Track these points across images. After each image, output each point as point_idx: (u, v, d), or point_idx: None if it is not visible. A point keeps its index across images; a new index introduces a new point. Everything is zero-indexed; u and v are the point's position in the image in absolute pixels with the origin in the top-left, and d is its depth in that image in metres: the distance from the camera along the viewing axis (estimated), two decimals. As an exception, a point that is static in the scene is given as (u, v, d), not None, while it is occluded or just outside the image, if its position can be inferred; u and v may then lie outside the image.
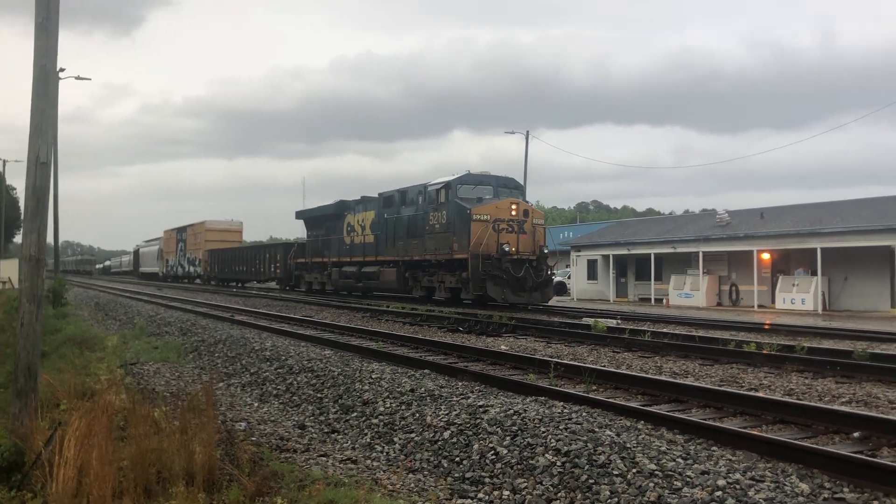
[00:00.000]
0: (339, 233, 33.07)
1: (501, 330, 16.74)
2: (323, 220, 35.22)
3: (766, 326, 17.79)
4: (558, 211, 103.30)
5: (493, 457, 6.21)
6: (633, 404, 7.72)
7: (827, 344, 13.78)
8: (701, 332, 15.57)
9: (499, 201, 24.24)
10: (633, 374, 9.74)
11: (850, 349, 12.19)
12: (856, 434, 6.60)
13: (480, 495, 5.71)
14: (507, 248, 22.95)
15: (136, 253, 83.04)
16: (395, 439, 7.23)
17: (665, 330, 15.87)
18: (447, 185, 24.91)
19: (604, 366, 10.81)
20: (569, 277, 42.17)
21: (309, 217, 37.34)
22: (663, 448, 5.87)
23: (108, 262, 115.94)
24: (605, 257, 39.16)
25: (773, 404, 7.57)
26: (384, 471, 6.36)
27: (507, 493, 5.64)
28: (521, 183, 26.56)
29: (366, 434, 7.59)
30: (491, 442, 6.46)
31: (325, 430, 7.94)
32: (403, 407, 7.97)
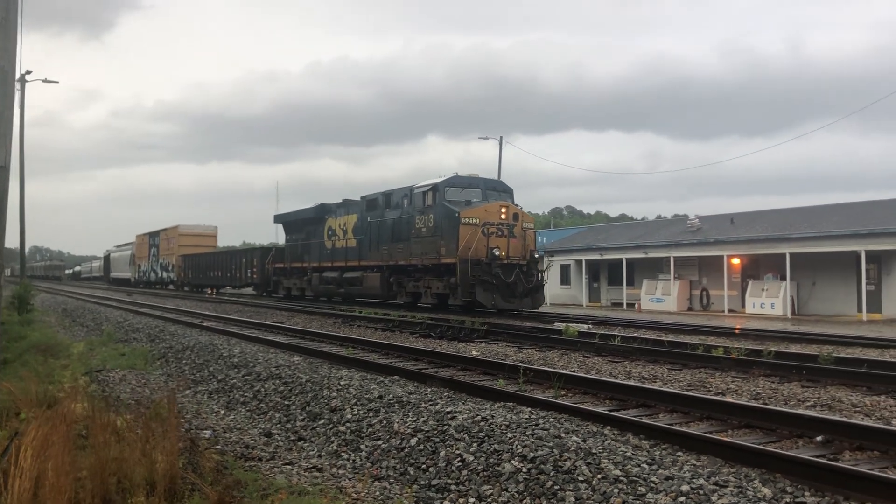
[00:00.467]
0: (320, 237, 32.24)
1: (473, 335, 16.73)
2: (303, 224, 34.35)
3: (737, 331, 17.95)
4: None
5: (460, 464, 6.18)
6: (600, 409, 7.74)
7: (794, 348, 13.93)
8: (670, 337, 15.68)
9: (488, 204, 23.53)
10: (602, 378, 9.76)
11: (816, 353, 12.34)
12: (819, 438, 6.66)
13: (446, 503, 5.67)
14: (497, 253, 22.20)
15: (107, 258, 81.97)
16: (362, 447, 7.17)
17: (635, 335, 15.96)
18: (434, 188, 24.18)
19: (573, 371, 10.83)
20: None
21: (288, 221, 36.43)
22: (629, 453, 5.88)
23: (78, 268, 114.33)
24: (578, 262, 39.38)
25: (738, 409, 7.62)
26: (350, 479, 6.31)
27: (472, 500, 5.61)
28: (510, 186, 25.71)
29: (332, 441, 7.53)
30: (458, 449, 6.43)
31: (292, 438, 7.86)
32: (371, 414, 7.92)
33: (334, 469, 6.64)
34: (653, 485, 5.21)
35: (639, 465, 5.58)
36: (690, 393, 8.76)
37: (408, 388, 8.95)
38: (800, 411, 7.81)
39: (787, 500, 5.08)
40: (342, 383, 9.32)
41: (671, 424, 7.16)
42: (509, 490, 5.57)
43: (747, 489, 5.13)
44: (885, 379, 9.89)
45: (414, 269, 25.01)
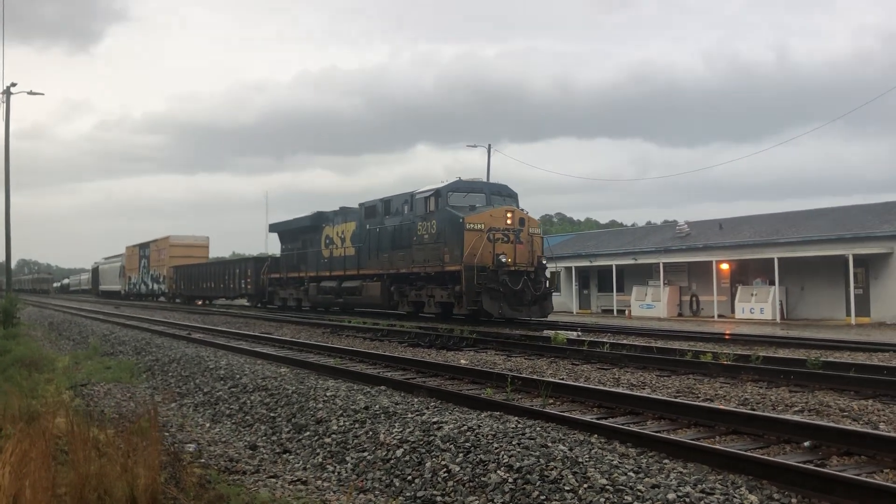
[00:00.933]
0: (317, 246, 31.42)
1: (462, 344, 16.67)
2: (299, 233, 33.55)
3: (727, 337, 17.96)
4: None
5: (446, 474, 6.12)
6: (587, 418, 7.70)
7: (782, 353, 13.94)
8: (660, 343, 15.67)
9: (493, 209, 22.56)
10: (590, 386, 9.72)
11: (805, 358, 12.34)
12: (806, 443, 6.64)
13: (431, 514, 5.61)
14: (503, 259, 21.21)
15: (96, 270, 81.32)
16: (348, 458, 7.10)
17: (624, 341, 15.94)
18: (437, 193, 23.25)
19: (562, 379, 10.79)
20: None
21: (283, 230, 35.63)
22: (615, 462, 5.84)
23: (66, 281, 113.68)
24: (568, 269, 39.37)
25: (726, 415, 7.60)
26: (335, 491, 6.24)
27: (458, 511, 5.55)
28: (515, 191, 24.57)
29: (318, 454, 7.45)
30: (444, 459, 6.37)
31: (277, 451, 7.77)
32: (357, 425, 7.85)
33: (319, 482, 6.57)
34: (639, 493, 5.17)
35: (625, 474, 5.53)
36: (678, 399, 8.73)
37: (394, 399, 8.88)
38: (787, 417, 7.80)
39: (774, 507, 5.04)
40: (328, 394, 9.25)
41: (658, 432, 7.12)
42: (495, 501, 5.51)
43: (734, 496, 5.09)
44: (873, 383, 9.90)
45: (416, 278, 24.22)
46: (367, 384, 10.33)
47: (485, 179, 28.80)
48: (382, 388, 9.89)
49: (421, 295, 24.01)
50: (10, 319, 22.77)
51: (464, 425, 7.03)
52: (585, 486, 5.37)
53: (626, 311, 34.87)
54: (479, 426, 6.95)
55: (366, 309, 28.43)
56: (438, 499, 5.83)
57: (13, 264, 37.68)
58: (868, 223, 29.31)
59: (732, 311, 30.89)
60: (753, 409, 8.35)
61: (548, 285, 22.63)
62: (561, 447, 6.19)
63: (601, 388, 9.67)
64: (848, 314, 27.48)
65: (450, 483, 5.98)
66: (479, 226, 21.77)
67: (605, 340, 15.89)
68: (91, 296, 79.20)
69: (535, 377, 10.23)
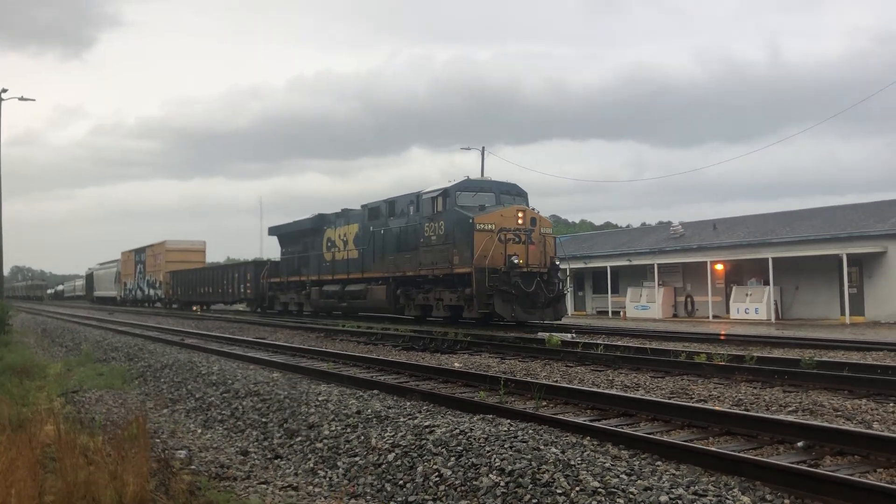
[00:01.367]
0: (319, 249, 30.62)
1: (456, 347, 16.63)
2: (299, 236, 32.81)
3: (722, 337, 17.95)
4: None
5: (437, 479, 6.07)
6: (580, 420, 7.66)
7: (777, 353, 13.92)
8: (654, 345, 15.64)
9: (504, 209, 21.87)
10: (583, 388, 9.68)
11: (799, 358, 12.33)
12: (800, 444, 6.61)
13: (422, 519, 5.56)
14: (515, 261, 20.59)
15: (90, 276, 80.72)
16: (339, 463, 7.05)
17: (619, 343, 15.91)
18: (445, 193, 22.55)
19: (555, 381, 10.76)
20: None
21: (283, 233, 34.88)
22: (607, 464, 5.80)
23: (60, 287, 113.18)
24: (563, 271, 39.32)
25: (720, 416, 7.56)
26: (325, 497, 6.19)
27: (449, 516, 5.50)
28: (524, 189, 23.98)
29: (309, 459, 7.40)
30: (435, 463, 6.32)
31: (268, 456, 7.72)
32: (349, 430, 7.79)
33: (310, 487, 6.51)
34: (631, 496, 5.13)
35: (618, 476, 5.49)
36: (671, 401, 8.70)
37: (387, 403, 8.83)
38: (780, 417, 7.77)
39: (767, 508, 5.01)
40: (320, 399, 9.19)
41: (651, 433, 7.09)
42: (487, 505, 5.47)
43: (727, 498, 5.05)
44: (867, 382, 9.88)
45: (423, 281, 23.48)
46: (360, 388, 10.27)
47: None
48: (375, 392, 9.84)
49: (428, 298, 23.34)
50: (3, 326, 22.65)
51: (456, 429, 6.99)
52: (577, 488, 5.33)
53: (622, 313, 34.88)
54: (472, 429, 6.91)
55: (370, 313, 27.84)
56: (430, 503, 5.78)
57: (6, 271, 37.45)
58: (862, 222, 29.38)
59: (727, 311, 30.92)
60: (747, 410, 8.33)
61: (561, 286, 22.10)
62: (553, 450, 6.15)
63: (594, 389, 9.63)
64: (842, 313, 27.52)
65: (441, 487, 5.93)
66: (489, 226, 21.15)
67: (599, 342, 15.85)
68: (85, 302, 78.72)
69: (528, 379, 10.19)
